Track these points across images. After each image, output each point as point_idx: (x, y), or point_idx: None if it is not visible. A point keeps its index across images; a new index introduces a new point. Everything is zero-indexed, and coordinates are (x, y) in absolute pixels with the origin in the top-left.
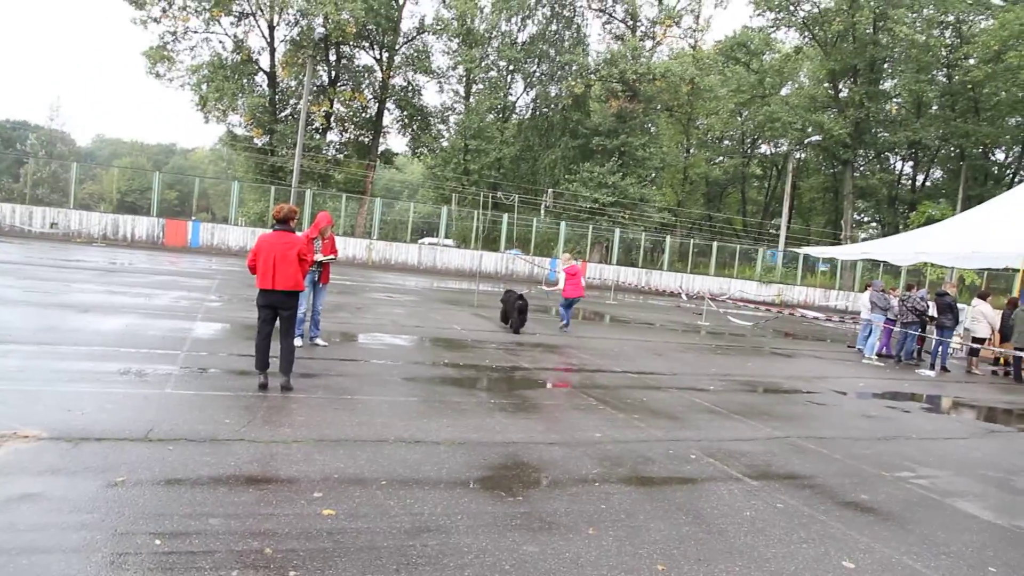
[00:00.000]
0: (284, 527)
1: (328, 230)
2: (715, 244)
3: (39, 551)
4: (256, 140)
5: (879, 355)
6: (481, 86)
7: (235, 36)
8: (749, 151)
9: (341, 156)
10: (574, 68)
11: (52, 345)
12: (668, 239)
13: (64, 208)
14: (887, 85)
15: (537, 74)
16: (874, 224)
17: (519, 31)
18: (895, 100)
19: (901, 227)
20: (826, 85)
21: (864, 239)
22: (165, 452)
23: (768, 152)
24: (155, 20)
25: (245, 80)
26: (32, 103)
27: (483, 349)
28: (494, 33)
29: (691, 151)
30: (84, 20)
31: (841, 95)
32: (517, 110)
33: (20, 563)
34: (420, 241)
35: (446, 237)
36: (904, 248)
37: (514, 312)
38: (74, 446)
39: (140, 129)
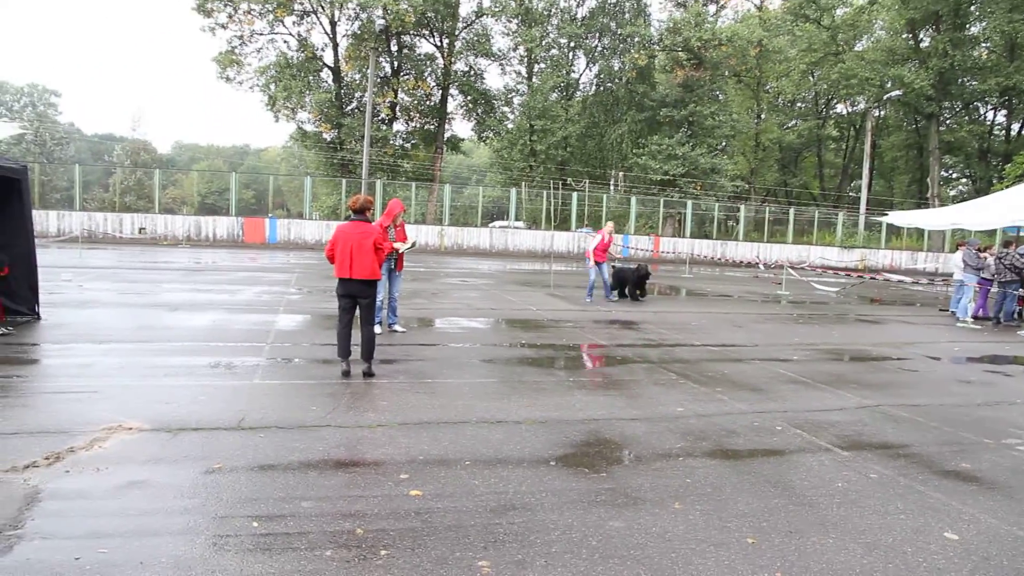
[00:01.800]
0: (373, 508)
1: (400, 217)
2: (792, 211)
3: (149, 534)
4: (325, 135)
5: (975, 318)
6: (543, 65)
7: (298, 35)
8: (824, 112)
9: (408, 145)
10: (636, 40)
11: (147, 342)
12: (742, 208)
13: (150, 213)
14: (974, 30)
15: (599, 49)
16: (964, 180)
17: (578, 6)
18: (984, 45)
19: (995, 182)
20: (905, 36)
21: (953, 197)
22: (257, 440)
23: (845, 112)
24: (222, 26)
25: (311, 77)
26: (116, 116)
27: (559, 328)
28: (553, 10)
29: (762, 116)
30: (159, 32)
31: (922, 45)
32: (580, 87)
33: (133, 545)
34: (491, 225)
35: (516, 219)
36: (996, 209)
37: (632, 281)
38: (173, 436)
39: (215, 133)
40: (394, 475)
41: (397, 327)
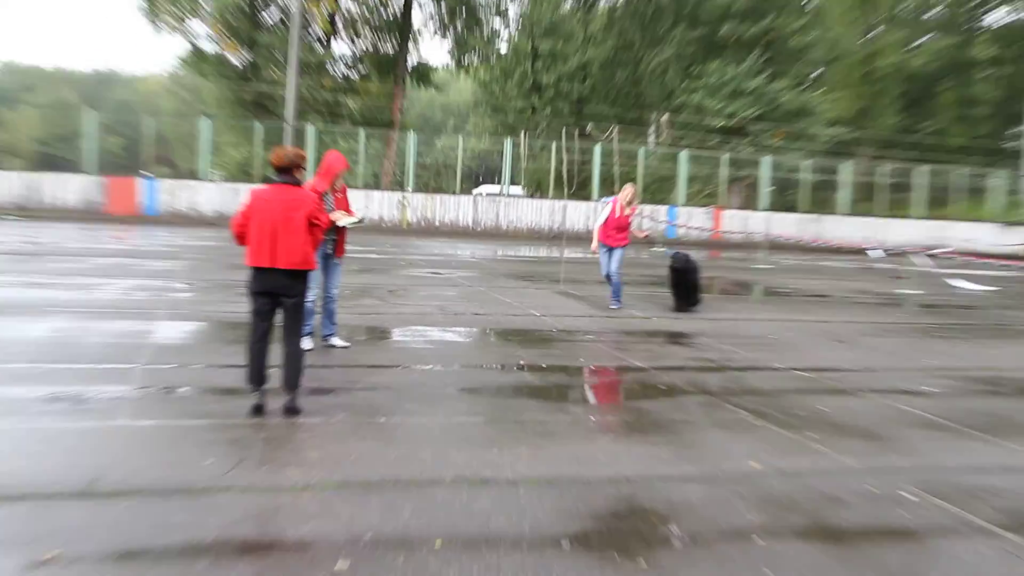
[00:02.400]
0: None
1: (340, 179)
2: (922, 171)
3: None
4: (231, 58)
5: None
6: None
7: None
8: (972, 24)
9: (355, 76)
10: None
11: None
12: (846, 168)
13: None
14: None
15: None
16: None
17: None
18: None
19: None
20: None
21: None
22: (117, 512)
23: (1005, 22)
24: None
25: None
26: None
27: (575, 343)
28: None
29: (876, 33)
30: None
31: None
32: None
33: None
34: (475, 191)
35: (512, 183)
36: None
37: (678, 282)
38: None
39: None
40: (327, 564)
41: (336, 340)
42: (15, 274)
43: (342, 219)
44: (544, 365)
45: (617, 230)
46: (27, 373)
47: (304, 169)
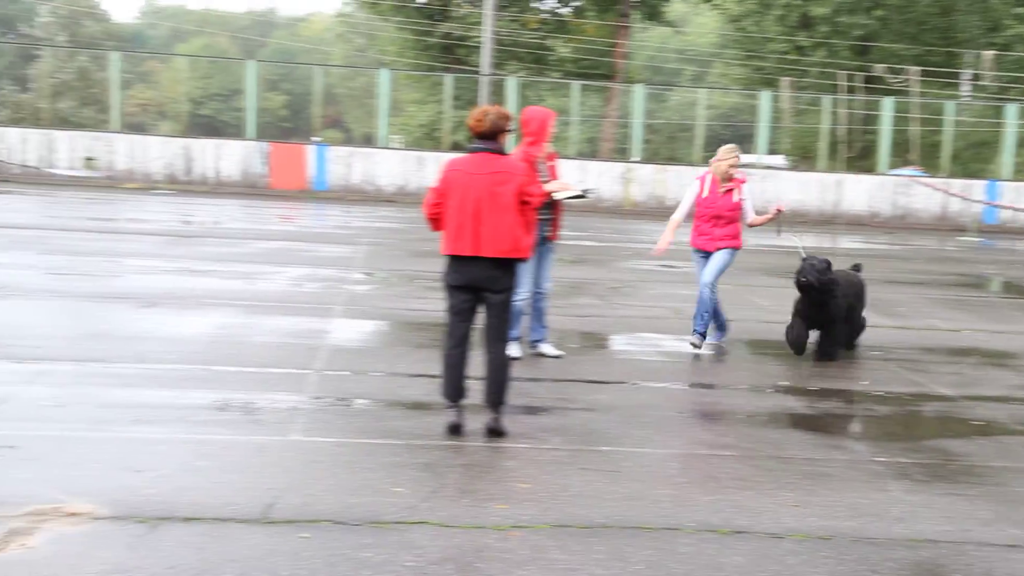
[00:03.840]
0: None
1: (548, 143)
2: None
3: None
4: None
5: None
6: None
7: None
8: None
9: (568, 13)
10: None
11: (102, 362)
12: None
13: (103, 131)
14: None
15: None
16: None
17: None
18: None
19: None
20: None
21: None
22: (297, 543)
23: None
24: None
25: None
26: None
27: (855, 360)
28: None
29: None
30: None
31: None
32: None
33: None
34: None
35: (769, 151)
36: None
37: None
38: (150, 530)
39: None
40: None
41: (546, 347)
42: (169, 259)
43: (560, 192)
44: (813, 388)
45: (714, 221)
46: (190, 375)
47: (509, 133)
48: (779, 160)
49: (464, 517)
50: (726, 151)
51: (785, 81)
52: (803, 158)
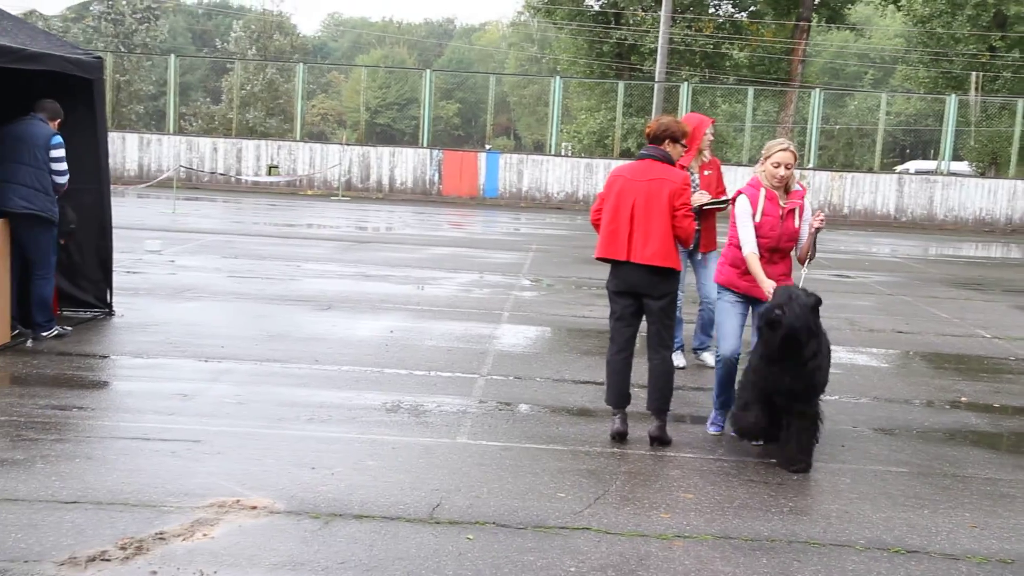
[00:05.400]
0: None
1: (707, 148)
2: None
3: None
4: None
5: None
6: None
7: None
8: None
9: (742, 17)
10: None
11: (280, 362)
12: None
13: (287, 140)
14: None
15: None
16: None
17: None
18: None
19: None
20: None
21: None
22: (462, 544)
23: None
24: None
25: None
26: None
27: None
28: None
29: None
30: None
31: None
32: None
33: None
34: (901, 168)
35: (954, 158)
36: None
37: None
38: (323, 525)
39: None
40: None
41: (709, 356)
42: (344, 263)
43: (699, 199)
44: (995, 405)
45: (770, 256)
46: (363, 377)
47: (679, 142)
48: (963, 167)
49: (627, 525)
50: (781, 147)
51: (973, 84)
52: (991, 164)
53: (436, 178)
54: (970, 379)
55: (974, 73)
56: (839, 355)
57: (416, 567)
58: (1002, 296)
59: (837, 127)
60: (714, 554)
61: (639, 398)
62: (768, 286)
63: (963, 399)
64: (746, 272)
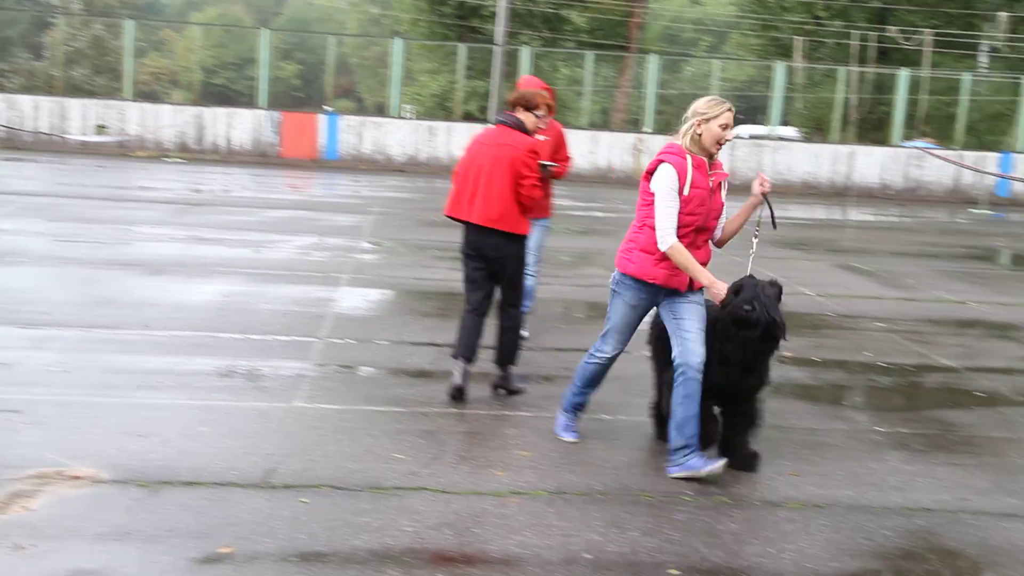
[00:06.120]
0: None
1: (544, 114)
2: None
3: None
4: None
5: None
6: None
7: None
8: None
9: None
10: None
11: (108, 329)
12: None
13: (116, 99)
14: None
15: None
16: None
17: None
18: None
19: None
20: None
21: None
22: (296, 507)
23: None
24: None
25: None
26: None
27: (860, 331)
28: None
29: None
30: None
31: None
32: None
33: None
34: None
35: (783, 123)
36: None
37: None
38: (151, 494)
39: None
40: None
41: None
42: (178, 227)
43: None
44: (816, 359)
45: (696, 236)
46: (196, 342)
47: (532, 111)
48: (792, 131)
49: (463, 483)
50: (727, 107)
51: (798, 51)
52: (816, 130)
53: (275, 140)
54: (794, 335)
55: (799, 39)
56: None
57: (248, 532)
58: (824, 255)
59: (674, 92)
60: (548, 509)
61: (484, 361)
62: (719, 287)
63: (787, 354)
64: (664, 258)
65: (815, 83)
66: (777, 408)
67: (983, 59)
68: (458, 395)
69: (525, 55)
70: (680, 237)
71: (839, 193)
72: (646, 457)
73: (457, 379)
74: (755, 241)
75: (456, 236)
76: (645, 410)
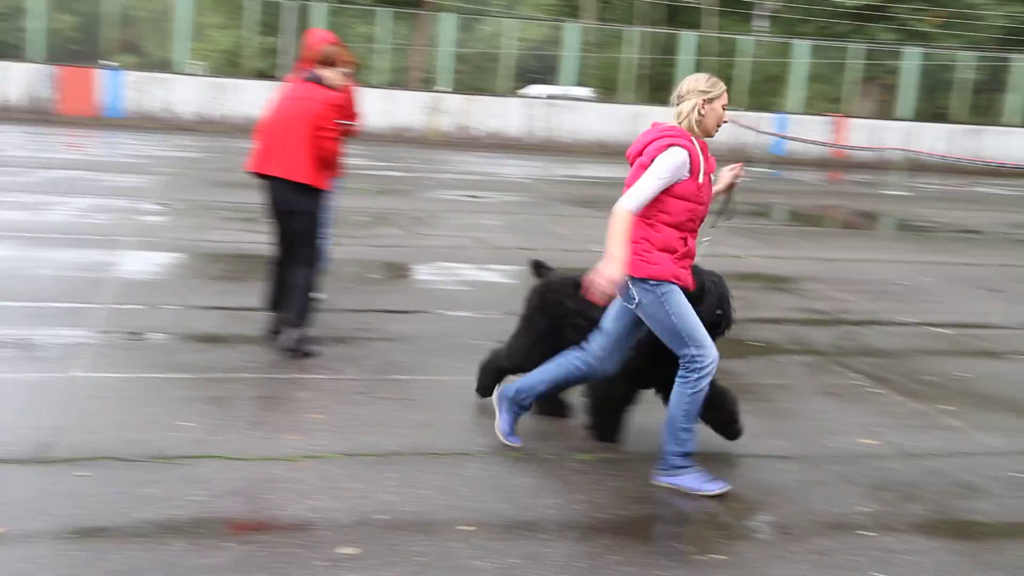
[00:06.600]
0: None
1: (347, 71)
2: None
3: None
4: None
5: None
6: None
7: None
8: None
9: None
10: None
11: None
12: (1020, 64)
13: None
14: None
15: None
16: None
17: None
18: None
19: None
20: None
21: None
22: (75, 482)
23: None
24: None
25: None
26: None
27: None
28: None
29: None
30: None
31: None
32: None
33: None
34: (523, 92)
35: (576, 84)
36: None
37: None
38: None
39: None
40: (329, 549)
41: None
42: None
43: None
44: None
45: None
46: None
47: (331, 66)
48: (584, 91)
49: (254, 449)
50: (717, 83)
51: (588, 11)
52: (606, 89)
53: (51, 96)
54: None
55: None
56: (467, 273)
57: (21, 511)
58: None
59: (469, 51)
60: (342, 471)
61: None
62: (617, 266)
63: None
64: (683, 256)
65: (607, 44)
66: None
67: (762, 23)
68: (272, 337)
69: (318, 11)
70: (688, 232)
71: (621, 152)
72: (441, 416)
73: (267, 326)
74: (711, 232)
75: (249, 197)
76: (442, 370)
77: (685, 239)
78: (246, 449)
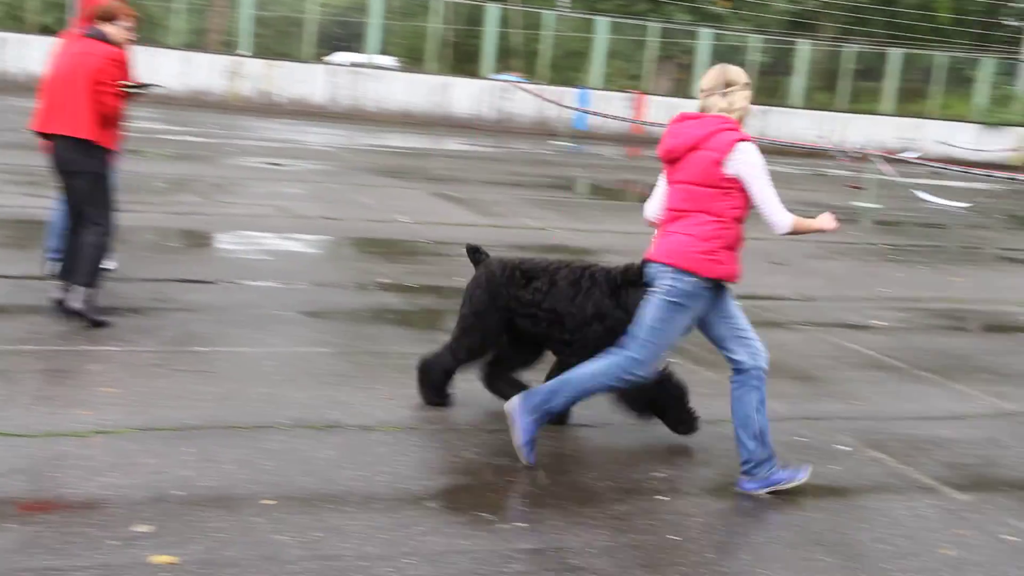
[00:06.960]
0: None
1: (129, 25)
2: (894, 54)
3: None
4: None
5: None
6: None
7: None
8: None
9: None
10: None
11: None
12: (804, 48)
13: None
14: None
15: None
16: None
17: None
18: None
19: None
20: None
21: None
22: None
23: None
24: None
25: None
26: None
27: (452, 258)
28: None
29: None
30: None
31: None
32: None
33: None
34: (329, 59)
35: (381, 52)
36: None
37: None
38: None
39: None
40: (122, 527)
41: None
42: None
43: None
44: (411, 285)
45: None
46: None
47: (111, 21)
48: (389, 60)
49: (39, 426)
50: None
51: None
52: (411, 59)
53: None
54: (390, 262)
55: None
56: (269, 242)
57: None
58: (419, 184)
59: (270, 15)
60: (136, 447)
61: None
62: (828, 219)
63: (384, 281)
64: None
65: (411, 13)
66: (375, 334)
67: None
68: (58, 305)
69: None
70: (741, 222)
71: (435, 124)
72: (241, 388)
73: (62, 295)
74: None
75: (31, 159)
76: (243, 341)
77: (741, 236)
78: (30, 425)
